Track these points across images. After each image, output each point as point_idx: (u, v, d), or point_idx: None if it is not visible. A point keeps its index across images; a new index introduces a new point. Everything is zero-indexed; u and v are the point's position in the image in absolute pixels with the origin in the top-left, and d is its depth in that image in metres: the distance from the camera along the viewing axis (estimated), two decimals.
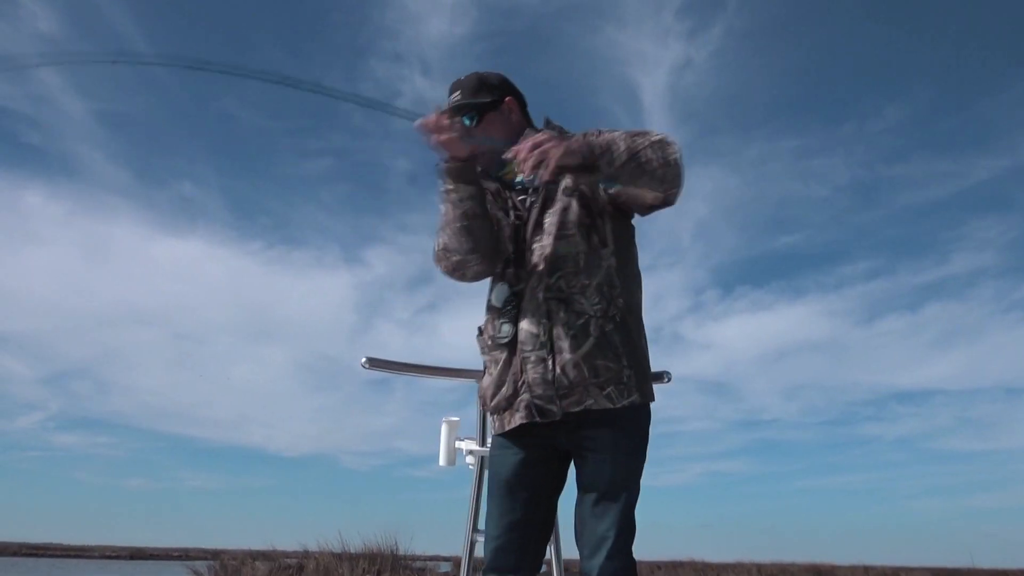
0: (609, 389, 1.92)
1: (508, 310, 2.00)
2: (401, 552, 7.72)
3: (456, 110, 2.10)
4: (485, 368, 2.13)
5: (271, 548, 10.01)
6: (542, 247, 2.01)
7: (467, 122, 2.09)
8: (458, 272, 2.07)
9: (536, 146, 1.78)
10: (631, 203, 2.03)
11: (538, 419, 1.93)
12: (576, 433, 1.94)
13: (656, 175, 1.86)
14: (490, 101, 2.14)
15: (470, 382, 2.61)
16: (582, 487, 1.94)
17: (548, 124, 2.14)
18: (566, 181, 2.01)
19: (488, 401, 2.06)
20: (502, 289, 2.04)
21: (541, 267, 1.99)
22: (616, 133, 1.89)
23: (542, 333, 1.95)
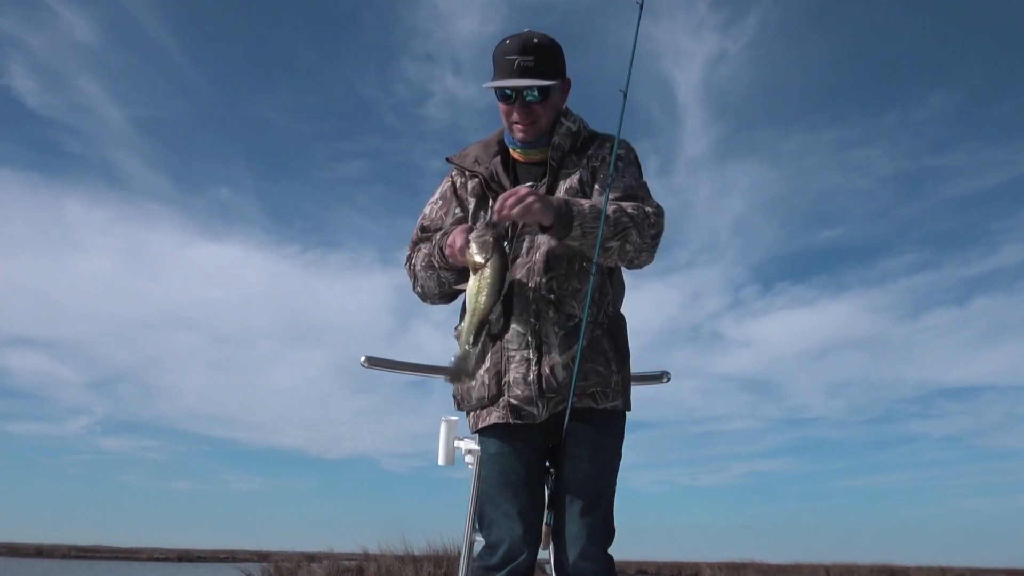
0: (594, 390, 1.92)
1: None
2: None
3: (532, 80, 1.93)
4: None
5: (328, 550, 10.01)
6: (533, 243, 1.96)
7: (535, 96, 1.95)
8: (429, 302, 2.16)
9: (520, 199, 1.77)
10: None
11: (512, 420, 1.89)
12: (556, 432, 1.91)
13: (626, 255, 1.88)
14: (562, 80, 2.03)
15: None
16: (561, 486, 1.91)
17: (567, 115, 2.06)
18: (567, 183, 1.99)
19: (465, 399, 2.01)
20: None
21: (532, 265, 1.94)
22: (599, 202, 1.85)
23: (529, 333, 1.90)
